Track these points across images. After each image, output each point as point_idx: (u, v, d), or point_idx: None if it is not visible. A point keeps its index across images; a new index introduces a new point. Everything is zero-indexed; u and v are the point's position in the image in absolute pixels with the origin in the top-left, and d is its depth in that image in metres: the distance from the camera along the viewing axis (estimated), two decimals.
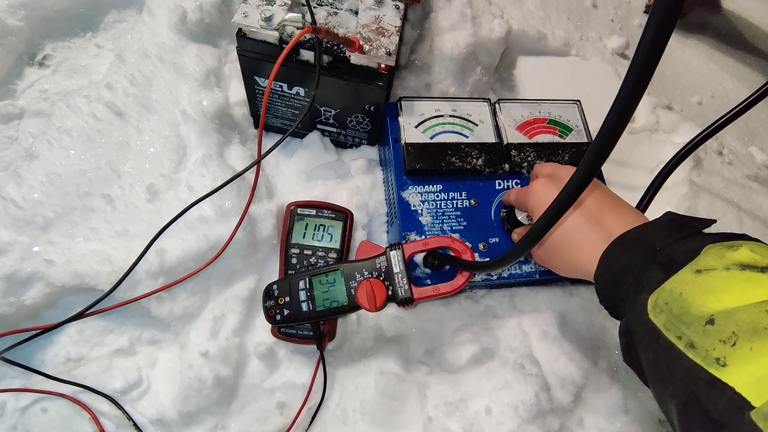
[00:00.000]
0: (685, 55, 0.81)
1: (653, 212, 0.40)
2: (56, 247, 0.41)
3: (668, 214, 0.32)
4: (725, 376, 0.21)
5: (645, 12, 0.84)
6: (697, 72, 0.78)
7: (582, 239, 0.34)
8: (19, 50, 0.55)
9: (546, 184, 0.38)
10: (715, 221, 0.30)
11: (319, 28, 0.37)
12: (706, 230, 0.29)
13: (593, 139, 0.53)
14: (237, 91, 0.54)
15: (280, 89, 0.49)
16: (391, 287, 0.39)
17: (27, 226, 0.41)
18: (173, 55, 0.51)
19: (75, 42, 0.58)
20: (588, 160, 0.22)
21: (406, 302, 0.39)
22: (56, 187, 0.43)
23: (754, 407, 0.19)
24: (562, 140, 0.50)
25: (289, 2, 0.44)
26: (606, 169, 0.62)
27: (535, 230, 0.26)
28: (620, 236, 0.31)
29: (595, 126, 0.65)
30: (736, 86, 0.78)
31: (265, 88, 0.48)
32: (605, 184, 0.51)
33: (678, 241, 0.28)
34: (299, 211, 0.46)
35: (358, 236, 0.49)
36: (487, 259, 0.44)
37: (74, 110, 0.47)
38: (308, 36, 0.42)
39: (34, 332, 0.39)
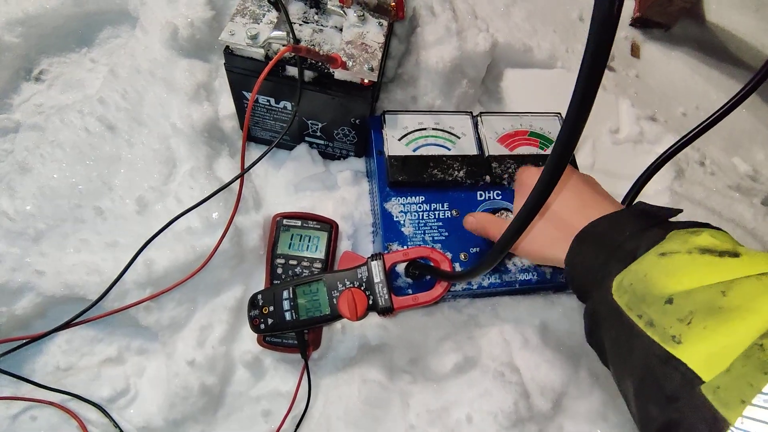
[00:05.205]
0: (669, 66, 0.82)
1: None
2: (47, 258, 0.42)
3: (639, 204, 0.33)
4: (679, 352, 0.22)
5: (630, 25, 0.86)
6: (681, 84, 0.80)
7: (556, 227, 0.35)
8: (16, 66, 0.57)
9: (535, 172, 0.39)
10: (681, 210, 0.31)
11: (300, 47, 0.38)
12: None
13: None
14: (227, 104, 0.55)
15: (268, 103, 0.50)
16: (371, 297, 0.40)
17: (19, 237, 0.42)
18: (164, 71, 0.53)
19: (70, 57, 0.60)
20: (550, 166, 0.23)
21: (387, 311, 0.40)
22: (48, 200, 0.44)
23: (704, 381, 0.20)
24: (543, 152, 0.51)
25: (276, 20, 0.45)
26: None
27: (504, 239, 0.27)
28: (591, 223, 0.32)
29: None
30: (720, 98, 0.79)
31: (253, 102, 0.50)
32: None
33: (646, 228, 0.29)
34: (285, 222, 0.47)
35: (344, 246, 0.50)
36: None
37: (67, 124, 0.48)
38: (291, 54, 0.43)
39: (22, 341, 0.40)
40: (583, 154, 0.65)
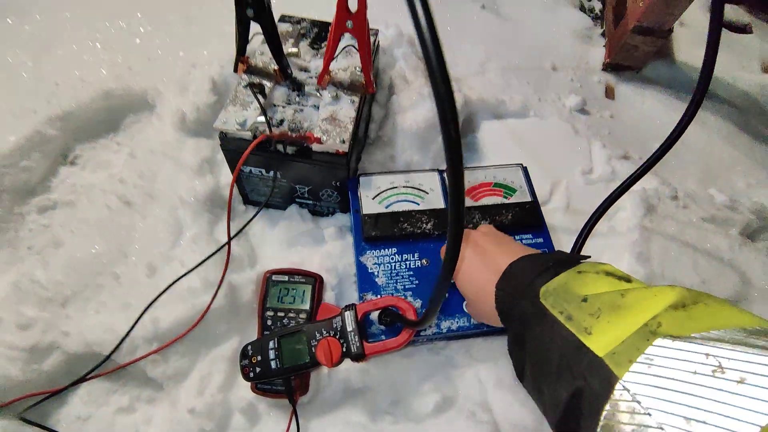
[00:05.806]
0: (644, 105, 0.86)
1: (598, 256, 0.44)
2: (71, 320, 0.49)
3: (557, 252, 0.42)
4: (589, 342, 0.28)
5: (603, 69, 0.91)
6: (657, 121, 0.84)
7: (486, 288, 0.40)
8: (55, 153, 0.67)
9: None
10: (590, 257, 0.39)
11: (273, 135, 0.45)
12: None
13: (535, 196, 0.58)
14: (228, 174, 0.64)
15: (260, 173, 0.57)
16: (345, 344, 0.44)
17: (49, 303, 0.50)
18: (174, 150, 0.62)
19: (100, 142, 0.70)
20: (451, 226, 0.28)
21: (359, 358, 0.44)
22: (74, 270, 0.52)
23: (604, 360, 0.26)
24: (506, 201, 0.56)
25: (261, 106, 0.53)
26: (564, 218, 0.67)
27: (437, 290, 0.32)
28: (517, 260, 0.39)
29: (541, 183, 0.70)
30: (695, 130, 0.82)
31: (248, 173, 0.57)
32: (548, 230, 0.55)
33: (563, 262, 0.36)
34: (274, 278, 0.53)
35: (328, 297, 0.55)
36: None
37: (93, 202, 0.57)
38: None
39: (44, 395, 0.46)
40: (557, 196, 0.69)
